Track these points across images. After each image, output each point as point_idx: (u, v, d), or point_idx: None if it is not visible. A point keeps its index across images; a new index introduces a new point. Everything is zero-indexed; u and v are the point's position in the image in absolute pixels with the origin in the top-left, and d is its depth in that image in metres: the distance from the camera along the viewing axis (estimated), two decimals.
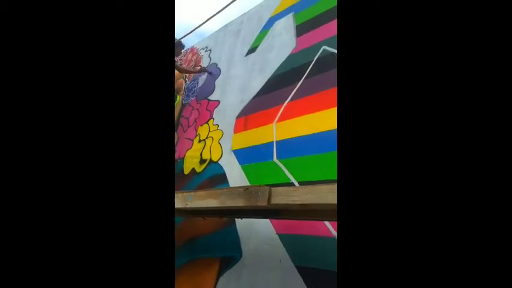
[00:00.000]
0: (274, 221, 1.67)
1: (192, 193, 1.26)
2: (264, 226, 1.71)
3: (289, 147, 1.91)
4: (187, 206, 1.25)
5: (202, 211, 1.54)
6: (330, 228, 1.43)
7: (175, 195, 1.26)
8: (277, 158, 1.93)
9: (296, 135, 1.89)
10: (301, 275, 1.45)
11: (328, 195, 0.80)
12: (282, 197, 0.96)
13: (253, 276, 1.64)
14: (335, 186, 0.78)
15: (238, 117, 2.39)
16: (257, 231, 1.75)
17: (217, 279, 1.78)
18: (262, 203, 0.97)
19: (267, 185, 1.00)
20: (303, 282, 1.42)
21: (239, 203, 1.05)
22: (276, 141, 1.99)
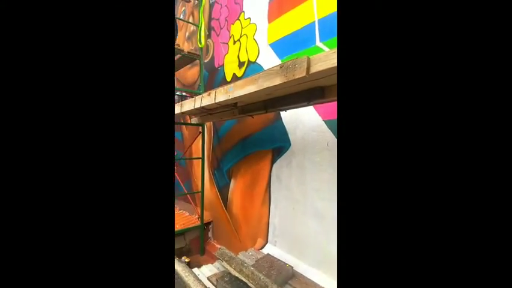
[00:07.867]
0: (320, 108, 1.67)
1: (232, 85, 1.26)
2: (309, 116, 1.74)
3: (334, 24, 1.58)
4: (230, 97, 1.26)
5: (249, 109, 1.59)
6: None
7: (219, 90, 1.33)
8: (320, 41, 1.66)
9: None
10: None
11: None
12: (322, 63, 0.81)
13: (301, 159, 1.82)
14: None
15: (270, 0, 2.08)
16: (303, 122, 1.80)
17: (271, 166, 2.06)
18: (300, 74, 0.86)
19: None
20: None
21: (276, 81, 0.97)
22: (318, 20, 1.68)
